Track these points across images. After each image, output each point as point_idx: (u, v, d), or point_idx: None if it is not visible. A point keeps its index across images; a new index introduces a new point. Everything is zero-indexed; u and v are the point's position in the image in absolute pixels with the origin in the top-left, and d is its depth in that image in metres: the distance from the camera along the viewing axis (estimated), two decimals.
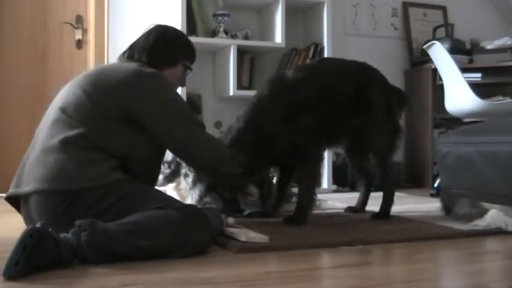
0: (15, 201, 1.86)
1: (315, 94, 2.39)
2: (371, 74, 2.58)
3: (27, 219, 1.80)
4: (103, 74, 1.92)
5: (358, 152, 2.68)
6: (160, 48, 2.07)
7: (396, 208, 2.61)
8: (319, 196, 3.40)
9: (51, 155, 1.76)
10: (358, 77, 2.53)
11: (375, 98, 2.49)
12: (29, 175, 1.79)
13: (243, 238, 1.90)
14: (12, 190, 1.84)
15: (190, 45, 2.20)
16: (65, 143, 1.76)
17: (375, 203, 2.70)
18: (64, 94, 1.91)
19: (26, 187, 1.78)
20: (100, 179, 1.75)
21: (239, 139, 2.31)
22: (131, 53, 2.07)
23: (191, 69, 2.22)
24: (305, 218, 2.33)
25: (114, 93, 1.85)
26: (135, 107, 1.85)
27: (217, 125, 4.02)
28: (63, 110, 1.84)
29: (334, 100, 2.43)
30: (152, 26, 2.15)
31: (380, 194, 2.59)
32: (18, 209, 1.87)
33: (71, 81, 1.97)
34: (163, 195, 1.93)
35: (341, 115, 2.45)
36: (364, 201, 2.75)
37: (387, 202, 2.55)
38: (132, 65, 1.96)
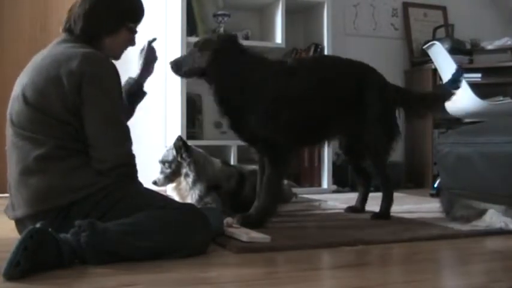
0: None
1: (307, 87, 2.34)
2: (368, 72, 2.55)
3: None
4: (37, 72, 1.78)
5: (356, 152, 2.67)
6: (96, 14, 1.86)
7: (396, 208, 2.61)
8: (319, 196, 3.41)
9: (32, 177, 1.72)
10: (355, 74, 2.50)
11: (371, 98, 2.46)
12: (17, 198, 1.76)
13: (244, 238, 1.90)
14: (10, 213, 1.81)
15: (131, 3, 1.96)
16: (40, 160, 1.71)
17: (375, 203, 2.70)
18: (13, 106, 1.81)
19: (18, 211, 1.76)
20: (89, 187, 1.71)
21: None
22: (67, 24, 1.89)
23: (136, 31, 1.99)
24: (262, 221, 2.19)
25: (52, 91, 1.73)
26: (73, 99, 1.72)
27: (217, 124, 4.02)
28: (17, 125, 1.77)
29: (327, 96, 2.39)
30: None
31: (380, 194, 2.59)
32: None
33: (15, 85, 1.85)
34: (161, 195, 1.92)
35: (332, 112, 2.41)
36: (363, 200, 2.75)
37: (387, 202, 2.55)
38: (64, 52, 1.78)
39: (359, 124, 2.47)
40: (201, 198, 2.52)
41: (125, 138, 1.82)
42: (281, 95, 2.26)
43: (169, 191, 2.67)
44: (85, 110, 1.74)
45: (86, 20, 1.86)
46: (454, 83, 2.73)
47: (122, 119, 1.85)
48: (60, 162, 1.73)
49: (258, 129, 2.22)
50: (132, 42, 2.00)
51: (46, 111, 1.74)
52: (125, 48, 2.00)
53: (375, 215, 2.53)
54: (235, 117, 2.28)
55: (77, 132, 1.76)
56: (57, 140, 1.73)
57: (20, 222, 1.80)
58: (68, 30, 1.91)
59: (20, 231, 1.78)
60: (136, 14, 1.97)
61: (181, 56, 2.31)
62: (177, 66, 2.32)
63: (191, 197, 2.55)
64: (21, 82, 1.83)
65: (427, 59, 4.12)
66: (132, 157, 1.83)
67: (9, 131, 1.82)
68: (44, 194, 1.71)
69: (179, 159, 2.57)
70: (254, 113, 2.22)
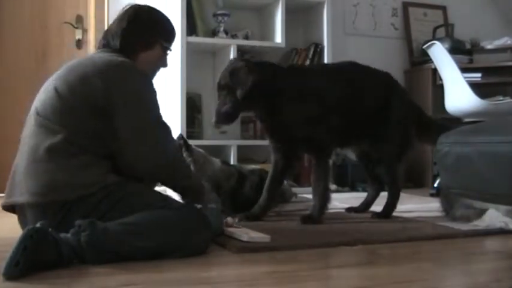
0: (11, 209, 1.83)
1: (344, 94, 2.45)
2: (395, 85, 2.66)
3: (24, 226, 1.77)
4: (73, 71, 1.83)
5: (371, 158, 2.68)
6: (134, 30, 1.95)
7: (396, 208, 2.60)
8: None
9: (40, 166, 1.71)
10: (384, 86, 2.61)
11: (395, 108, 2.56)
12: (21, 186, 1.75)
13: (244, 238, 1.90)
14: (6, 200, 1.80)
15: (167, 24, 2.07)
16: (51, 151, 1.71)
17: (376, 202, 2.70)
18: (40, 97, 1.85)
19: (20, 197, 1.74)
20: (95, 185, 1.71)
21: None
22: (105, 40, 1.98)
23: (170, 50, 2.08)
24: (321, 217, 2.36)
25: (83, 89, 1.76)
26: (103, 102, 1.75)
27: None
28: (40, 114, 1.79)
29: (360, 104, 2.50)
30: (126, 7, 2.02)
31: (383, 194, 2.59)
32: (14, 213, 1.85)
33: (46, 83, 1.90)
34: (162, 195, 1.92)
35: (364, 120, 2.51)
36: (368, 204, 2.75)
37: (391, 204, 2.56)
38: (101, 57, 1.86)
39: (380, 132, 2.54)
40: None
41: (164, 141, 1.85)
42: (326, 100, 2.40)
43: (169, 191, 2.66)
44: (121, 115, 1.75)
45: (124, 36, 1.94)
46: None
47: (156, 124, 1.84)
48: (69, 158, 1.72)
49: (309, 133, 2.35)
50: (164, 63, 2.07)
51: (70, 102, 1.76)
52: (158, 67, 2.06)
53: (376, 215, 2.53)
54: (281, 125, 2.37)
55: (93, 131, 1.75)
56: (71, 132, 1.73)
57: (20, 211, 1.78)
58: (105, 46, 1.97)
59: (20, 223, 1.80)
60: (170, 34, 2.08)
61: (217, 107, 2.33)
62: (222, 115, 2.30)
63: None
64: (55, 77, 1.87)
65: (427, 59, 4.13)
66: (172, 158, 1.87)
67: (29, 121, 1.83)
68: (48, 185, 1.70)
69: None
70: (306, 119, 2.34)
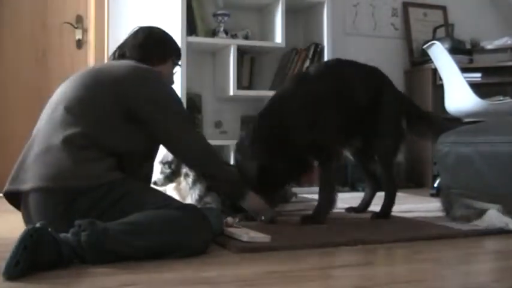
0: (13, 198, 1.85)
1: (335, 91, 2.44)
2: (384, 79, 2.65)
3: (27, 218, 1.80)
4: (103, 71, 1.95)
5: (366, 155, 2.68)
6: (151, 45, 2.12)
7: (396, 208, 2.61)
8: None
9: (51, 154, 1.76)
10: (374, 80, 2.60)
11: (387, 102, 2.55)
12: (28, 173, 1.78)
13: (245, 238, 1.90)
14: (10, 186, 1.82)
15: (176, 43, 2.24)
16: (65, 142, 1.76)
17: (375, 202, 2.70)
18: (64, 91, 1.92)
19: (26, 185, 1.77)
20: (98, 178, 1.75)
21: (259, 129, 2.36)
22: (121, 51, 2.12)
23: (179, 65, 2.28)
24: (323, 217, 2.35)
25: (113, 89, 1.86)
26: (134, 102, 1.87)
27: (218, 124, 4.03)
28: (65, 107, 1.84)
29: (352, 100, 2.48)
30: (137, 28, 2.18)
31: (381, 194, 2.59)
32: (16, 206, 1.87)
33: (71, 77, 1.98)
34: (163, 195, 1.93)
35: (356, 116, 2.49)
36: (367, 203, 2.75)
37: (389, 203, 2.56)
38: (129, 62, 2.01)
39: (373, 127, 2.53)
40: (201, 198, 2.52)
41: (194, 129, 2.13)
42: (315, 98, 2.39)
43: (169, 191, 2.67)
44: (156, 114, 1.89)
45: (141, 48, 2.09)
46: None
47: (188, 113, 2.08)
48: (81, 151, 1.76)
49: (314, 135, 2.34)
50: (172, 80, 2.24)
51: (94, 97, 1.86)
52: (169, 81, 2.19)
53: (375, 215, 2.53)
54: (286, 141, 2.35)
55: (109, 127, 1.83)
56: (87, 124, 1.80)
57: (24, 203, 1.80)
58: (122, 57, 2.11)
59: (16, 207, 1.85)
60: (178, 49, 2.25)
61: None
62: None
63: (191, 197, 2.55)
64: (81, 74, 1.96)
65: (427, 59, 4.13)
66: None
67: (47, 111, 1.89)
68: (56, 172, 1.73)
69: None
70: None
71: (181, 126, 1.96)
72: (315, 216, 2.36)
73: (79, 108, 1.83)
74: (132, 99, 1.87)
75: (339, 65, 2.60)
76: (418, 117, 2.70)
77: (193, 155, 2.01)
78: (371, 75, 2.62)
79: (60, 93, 1.93)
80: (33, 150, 1.82)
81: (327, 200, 2.36)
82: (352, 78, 2.54)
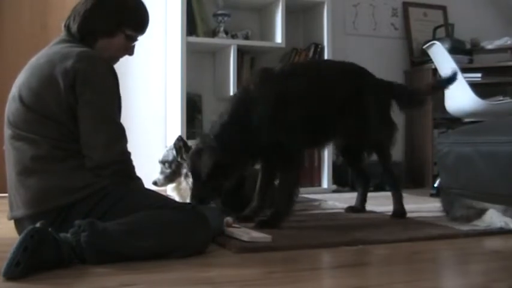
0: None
1: (306, 90, 2.33)
2: (362, 72, 2.58)
3: None
4: (33, 75, 1.78)
5: (354, 153, 2.69)
6: (97, 14, 1.86)
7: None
8: (319, 196, 3.42)
9: (30, 178, 1.71)
10: (350, 76, 2.53)
11: (369, 95, 2.50)
12: (16, 199, 1.76)
13: (245, 238, 1.90)
14: (11, 213, 1.81)
15: (137, 12, 1.94)
16: (37, 161, 1.71)
17: (375, 202, 2.71)
18: (10, 107, 1.81)
19: (17, 212, 1.76)
20: (90, 187, 1.71)
21: (223, 132, 2.16)
22: (68, 20, 1.90)
23: (136, 39, 1.97)
24: (279, 222, 2.22)
25: (49, 93, 1.73)
26: (72, 98, 1.73)
27: None
28: (14, 126, 1.77)
29: (326, 98, 2.39)
30: None
31: (380, 194, 2.59)
32: None
33: (13, 87, 1.85)
34: (161, 195, 1.92)
35: (333, 114, 2.41)
36: (362, 200, 2.76)
37: (399, 200, 2.58)
38: (57, 53, 1.79)
39: (361, 124, 2.49)
40: None
41: (118, 136, 1.80)
42: (281, 97, 2.24)
43: (169, 191, 2.67)
44: (79, 108, 1.73)
45: (85, 18, 1.86)
46: (448, 83, 2.76)
47: (115, 117, 1.83)
48: (58, 163, 1.72)
49: (278, 135, 2.20)
50: (129, 52, 1.97)
51: (41, 111, 1.74)
52: (120, 55, 1.97)
53: (394, 215, 2.56)
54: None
55: (72, 133, 1.75)
56: (54, 140, 1.73)
57: (18, 223, 1.80)
58: (67, 27, 1.91)
59: (19, 232, 1.78)
60: (138, 23, 1.94)
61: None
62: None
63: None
64: (17, 82, 1.83)
65: (427, 59, 4.12)
66: (125, 154, 1.81)
67: (6, 132, 1.81)
68: (42, 195, 1.70)
69: (179, 159, 2.57)
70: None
71: (92, 126, 1.74)
72: (270, 221, 2.22)
73: (32, 127, 1.73)
74: (70, 95, 1.72)
75: (312, 65, 2.58)
76: (410, 95, 2.68)
77: (95, 155, 1.74)
78: (347, 71, 2.55)
79: (9, 110, 1.80)
80: (11, 175, 1.77)
81: (285, 204, 2.25)
82: (327, 76, 2.45)
